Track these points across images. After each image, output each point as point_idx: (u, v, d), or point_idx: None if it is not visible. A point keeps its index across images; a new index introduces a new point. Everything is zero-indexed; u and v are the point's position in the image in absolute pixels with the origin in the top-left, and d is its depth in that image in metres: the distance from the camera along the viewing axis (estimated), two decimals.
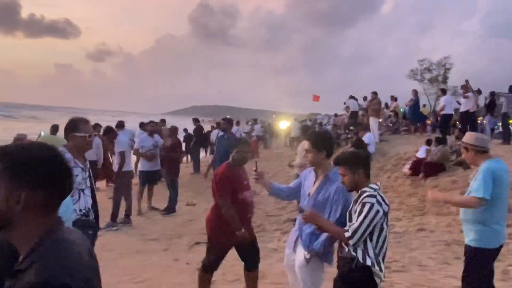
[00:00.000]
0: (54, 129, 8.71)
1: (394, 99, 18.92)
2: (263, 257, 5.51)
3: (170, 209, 8.00)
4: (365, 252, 2.59)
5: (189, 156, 15.33)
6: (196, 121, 14.72)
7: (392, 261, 5.17)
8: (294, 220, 7.43)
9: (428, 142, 10.89)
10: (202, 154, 15.60)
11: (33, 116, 63.34)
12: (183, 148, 16.20)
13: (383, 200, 2.62)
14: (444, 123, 12.86)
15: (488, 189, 3.03)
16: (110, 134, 8.19)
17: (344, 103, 17.31)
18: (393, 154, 12.08)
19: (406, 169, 10.33)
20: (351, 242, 2.59)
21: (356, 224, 2.57)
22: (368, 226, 2.55)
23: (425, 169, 9.59)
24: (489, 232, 3.12)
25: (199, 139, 14.10)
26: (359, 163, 2.70)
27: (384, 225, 2.62)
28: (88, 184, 3.14)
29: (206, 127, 20.26)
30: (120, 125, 10.41)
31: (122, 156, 7.22)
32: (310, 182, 3.15)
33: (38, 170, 1.09)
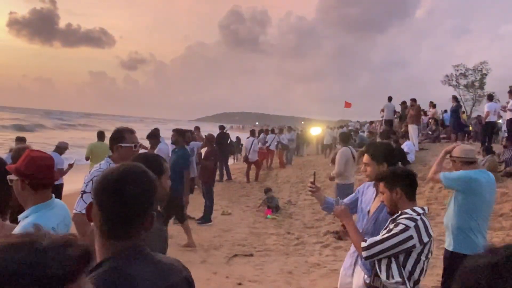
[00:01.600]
0: (101, 135, 8.69)
1: (432, 105, 18.26)
2: (305, 272, 5.27)
3: (206, 219, 7.86)
4: (389, 274, 2.29)
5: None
6: (221, 128, 14.58)
7: None
8: (334, 232, 7.20)
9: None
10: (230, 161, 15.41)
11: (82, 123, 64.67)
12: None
13: (426, 229, 2.26)
14: (488, 131, 12.23)
15: (454, 181, 3.39)
16: (154, 139, 7.80)
17: (382, 110, 16.82)
18: (433, 163, 11.53)
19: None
20: (364, 253, 2.34)
21: (378, 238, 2.30)
22: (392, 247, 2.23)
23: None
24: (466, 240, 3.29)
25: (222, 146, 13.95)
26: (397, 180, 2.41)
27: (422, 257, 2.28)
28: None
29: (235, 134, 20.25)
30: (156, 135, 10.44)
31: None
32: (369, 198, 2.90)
33: None
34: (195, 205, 8.69)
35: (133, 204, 1.09)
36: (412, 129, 12.93)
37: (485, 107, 12.41)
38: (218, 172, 13.45)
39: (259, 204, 9.62)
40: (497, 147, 11.07)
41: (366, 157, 2.93)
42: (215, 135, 14.40)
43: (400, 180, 2.42)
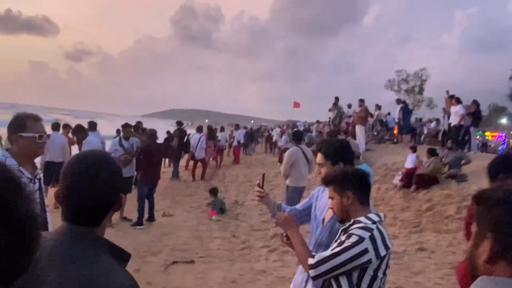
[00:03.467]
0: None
1: (378, 107, 18.66)
2: (250, 280, 4.83)
3: (137, 221, 7.18)
4: None
5: (167, 160, 14.51)
6: (179, 124, 13.86)
7: (396, 287, 4.59)
8: (282, 235, 6.71)
9: (414, 149, 10.48)
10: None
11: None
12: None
13: (383, 240, 1.87)
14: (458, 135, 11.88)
15: None
16: (79, 133, 7.33)
17: (330, 110, 16.87)
18: (380, 164, 11.61)
19: (396, 180, 9.87)
20: (311, 272, 1.92)
21: (327, 253, 1.90)
22: (344, 263, 1.84)
23: (417, 181, 9.13)
24: None
25: (181, 143, 13.25)
26: (348, 182, 2.02)
27: (379, 273, 1.87)
28: (37, 198, 2.40)
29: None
30: (92, 125, 9.54)
31: None
32: (324, 204, 2.50)
33: None
34: (133, 206, 7.99)
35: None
36: (360, 129, 13.00)
37: (458, 109, 11.72)
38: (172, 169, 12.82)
39: (205, 205, 9.10)
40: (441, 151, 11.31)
41: (319, 157, 2.54)
42: (171, 131, 13.80)
43: (352, 182, 2.01)
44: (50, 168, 8.06)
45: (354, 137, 14.41)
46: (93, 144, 6.66)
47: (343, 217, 2.05)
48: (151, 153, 7.20)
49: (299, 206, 2.74)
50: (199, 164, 12.99)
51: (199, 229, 7.21)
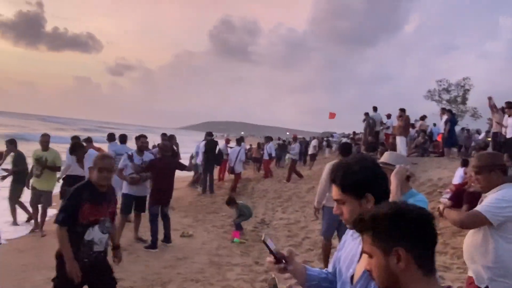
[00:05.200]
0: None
1: (421, 118, 17.41)
2: None
3: (151, 244, 6.50)
4: None
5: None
6: (209, 135, 13.04)
7: None
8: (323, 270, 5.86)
9: (464, 163, 9.32)
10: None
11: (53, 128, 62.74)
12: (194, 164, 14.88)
13: None
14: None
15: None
16: (78, 151, 7.03)
17: (366, 115, 15.79)
18: (425, 179, 10.45)
19: (445, 199, 8.73)
20: None
21: None
22: None
23: (469, 200, 7.97)
24: None
25: (210, 154, 12.56)
26: (397, 232, 1.19)
27: None
28: None
29: (221, 143, 18.77)
30: (111, 137, 9.05)
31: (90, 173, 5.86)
32: (351, 255, 1.67)
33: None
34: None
35: None
36: (400, 140, 11.90)
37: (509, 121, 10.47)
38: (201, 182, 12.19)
39: (228, 224, 8.35)
40: None
41: (335, 190, 1.69)
42: (204, 143, 13.14)
43: (406, 233, 1.16)
44: (72, 183, 7.65)
45: (394, 149, 13.28)
46: (92, 157, 6.12)
47: (389, 286, 1.21)
48: (159, 169, 6.48)
49: (331, 265, 1.90)
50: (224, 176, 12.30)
51: (218, 253, 6.43)
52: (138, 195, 6.58)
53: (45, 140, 7.39)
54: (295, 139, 16.72)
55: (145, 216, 7.01)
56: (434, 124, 17.18)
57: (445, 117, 14.04)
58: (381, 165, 2.82)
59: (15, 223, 7.74)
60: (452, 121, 13.43)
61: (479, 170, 2.83)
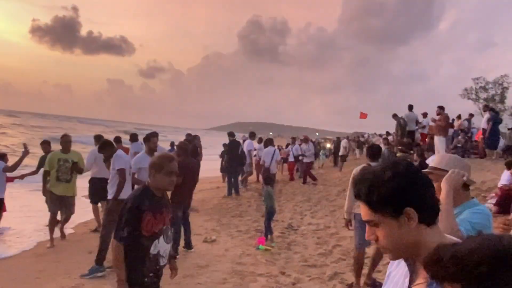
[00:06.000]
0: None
1: (458, 117, 16.42)
2: None
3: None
4: None
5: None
6: (231, 135, 12.64)
7: None
8: (348, 286, 5.30)
9: (509, 165, 8.53)
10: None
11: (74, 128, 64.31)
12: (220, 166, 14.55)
13: None
14: None
15: None
16: (107, 149, 6.03)
17: (394, 116, 15.00)
18: None
19: (490, 204, 7.99)
20: None
21: None
22: None
23: None
24: None
25: (232, 155, 12.19)
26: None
27: None
28: None
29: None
30: (133, 138, 8.80)
31: (122, 174, 5.52)
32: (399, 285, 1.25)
33: None
34: None
35: None
36: (439, 141, 11.11)
37: None
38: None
39: (253, 229, 7.92)
40: None
41: (363, 209, 1.27)
42: (226, 143, 12.89)
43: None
44: (98, 185, 7.30)
45: (431, 150, 12.48)
46: (123, 157, 5.75)
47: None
48: (186, 171, 6.15)
49: None
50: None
51: (242, 261, 6.00)
52: None
53: (68, 141, 6.93)
54: (306, 140, 15.67)
55: None
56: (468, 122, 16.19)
57: (487, 115, 13.11)
58: (430, 170, 2.31)
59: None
60: (495, 120, 12.49)
61: None
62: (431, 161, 8.15)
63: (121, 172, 5.55)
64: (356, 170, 5.02)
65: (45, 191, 7.02)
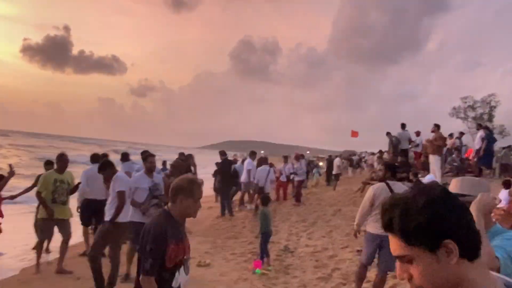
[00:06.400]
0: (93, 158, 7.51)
1: (450, 135, 16.45)
2: None
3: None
4: None
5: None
6: (222, 154, 12.43)
7: None
8: None
9: (507, 184, 8.52)
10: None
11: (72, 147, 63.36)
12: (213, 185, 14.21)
13: None
14: None
15: None
16: (108, 170, 5.59)
17: (388, 134, 14.95)
18: None
19: None
20: None
21: None
22: None
23: None
24: None
25: (225, 174, 11.96)
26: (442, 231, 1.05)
27: None
28: None
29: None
30: (124, 157, 8.56)
31: (121, 197, 5.25)
32: None
33: None
34: None
35: None
36: (435, 160, 11.02)
37: None
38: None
39: (249, 251, 7.64)
40: None
41: (394, 243, 1.11)
42: (219, 162, 12.61)
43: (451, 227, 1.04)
44: (90, 207, 7.02)
45: (426, 169, 12.41)
46: (123, 179, 5.48)
47: None
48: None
49: None
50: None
51: (238, 287, 5.73)
52: (126, 221, 5.94)
53: (66, 160, 6.48)
54: (297, 158, 15.28)
55: None
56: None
57: (480, 133, 13.12)
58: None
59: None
60: (489, 138, 12.49)
61: None
62: (428, 180, 8.03)
63: (121, 195, 5.28)
64: (374, 188, 4.87)
65: (50, 211, 6.19)
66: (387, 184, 4.78)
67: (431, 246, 1.05)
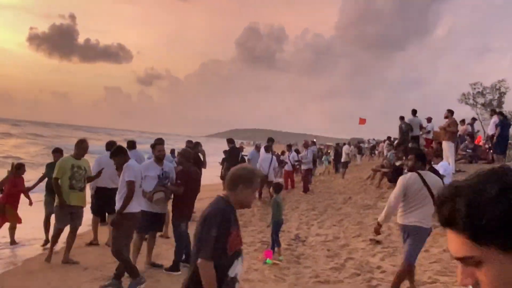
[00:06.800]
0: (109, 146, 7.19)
1: (462, 121, 16.09)
2: None
3: (173, 266, 5.74)
4: None
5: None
6: (230, 142, 12.32)
7: None
8: None
9: None
10: None
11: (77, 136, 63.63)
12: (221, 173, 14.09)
13: None
14: None
15: None
16: (119, 156, 5.33)
17: (402, 119, 14.58)
18: None
19: None
20: None
21: None
22: None
23: None
24: None
25: (232, 163, 11.80)
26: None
27: None
28: None
29: (246, 150, 17.85)
30: (130, 145, 8.38)
31: (130, 187, 5.05)
32: None
33: None
34: (164, 247, 6.62)
35: None
36: (448, 146, 10.71)
37: None
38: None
39: (258, 241, 7.48)
40: None
41: (456, 242, 0.90)
42: (226, 150, 12.51)
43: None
44: (101, 195, 6.91)
45: (439, 155, 12.11)
46: (134, 168, 5.25)
47: None
48: (188, 180, 5.75)
49: None
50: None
51: (249, 277, 5.56)
52: (156, 211, 5.80)
53: (86, 147, 6.28)
54: (305, 145, 14.83)
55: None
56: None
57: (494, 119, 12.79)
58: None
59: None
60: (503, 124, 12.15)
61: None
62: (441, 167, 7.63)
63: (130, 185, 5.03)
64: (405, 178, 4.61)
65: (63, 201, 6.01)
66: (419, 174, 4.53)
67: (507, 246, 0.83)
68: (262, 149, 13.13)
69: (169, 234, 7.03)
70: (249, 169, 2.67)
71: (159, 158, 5.80)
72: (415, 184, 4.46)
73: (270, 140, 12.74)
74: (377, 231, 4.93)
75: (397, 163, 11.70)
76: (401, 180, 4.65)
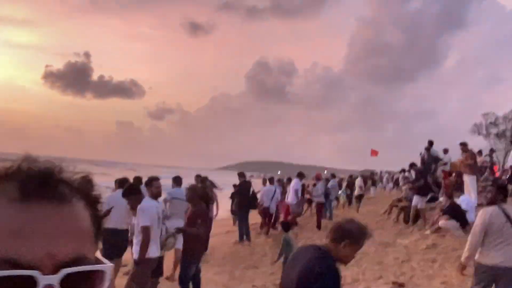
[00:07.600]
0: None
1: (479, 153, 15.53)
2: None
3: None
4: None
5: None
6: (241, 176, 11.85)
7: None
8: None
9: None
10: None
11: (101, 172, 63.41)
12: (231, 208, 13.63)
13: None
14: None
15: None
16: (134, 196, 5.07)
17: (421, 154, 14.10)
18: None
19: None
20: None
21: None
22: None
23: None
24: None
25: (243, 197, 11.39)
26: None
27: None
28: None
29: (257, 184, 17.34)
30: (177, 181, 8.05)
31: (145, 233, 4.64)
32: None
33: None
34: None
35: None
36: (470, 180, 10.21)
37: None
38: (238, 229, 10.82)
39: (271, 283, 6.96)
40: None
41: None
42: (236, 184, 12.07)
43: None
44: (112, 238, 5.98)
45: (460, 189, 11.56)
46: (150, 211, 4.85)
47: None
48: (204, 218, 5.38)
49: None
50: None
51: None
52: (153, 256, 5.36)
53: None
54: (318, 178, 13.98)
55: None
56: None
57: None
58: None
59: None
60: None
61: None
62: (462, 201, 7.03)
63: (146, 230, 4.63)
64: (487, 213, 4.21)
65: None
66: (501, 208, 4.14)
67: None
68: (296, 180, 12.95)
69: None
70: (360, 227, 2.52)
71: (155, 196, 5.40)
72: (498, 219, 4.09)
73: (241, 175, 11.93)
74: (462, 271, 4.58)
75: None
76: (481, 215, 4.27)
